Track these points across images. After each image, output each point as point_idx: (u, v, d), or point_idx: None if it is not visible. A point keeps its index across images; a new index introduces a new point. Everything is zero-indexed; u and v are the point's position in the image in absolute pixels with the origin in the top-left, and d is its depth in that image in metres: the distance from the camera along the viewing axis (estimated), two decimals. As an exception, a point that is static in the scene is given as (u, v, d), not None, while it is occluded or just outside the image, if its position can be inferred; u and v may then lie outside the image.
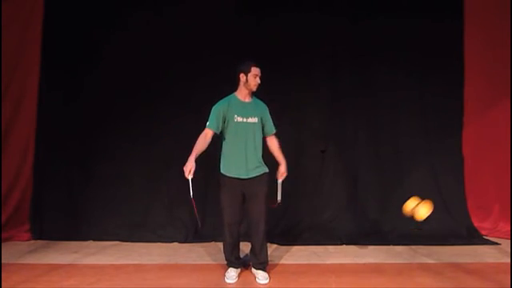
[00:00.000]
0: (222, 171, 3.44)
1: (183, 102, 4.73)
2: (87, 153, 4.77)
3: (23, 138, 4.65)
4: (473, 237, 4.59)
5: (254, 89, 3.41)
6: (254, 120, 3.39)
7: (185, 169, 3.14)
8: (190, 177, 3.16)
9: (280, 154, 3.52)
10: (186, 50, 4.74)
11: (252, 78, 3.36)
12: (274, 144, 3.54)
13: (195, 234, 4.57)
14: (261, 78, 3.41)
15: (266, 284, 3.34)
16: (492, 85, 4.86)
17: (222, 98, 3.45)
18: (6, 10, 4.42)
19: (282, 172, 3.48)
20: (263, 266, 3.46)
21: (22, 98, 4.65)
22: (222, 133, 3.42)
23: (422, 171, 4.89)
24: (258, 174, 3.39)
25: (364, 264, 3.80)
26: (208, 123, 3.35)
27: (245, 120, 3.36)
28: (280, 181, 3.52)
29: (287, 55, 4.82)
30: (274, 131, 3.56)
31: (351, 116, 4.92)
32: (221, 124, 3.35)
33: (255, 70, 3.36)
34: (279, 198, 3.52)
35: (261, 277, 3.39)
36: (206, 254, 4.08)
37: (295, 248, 4.27)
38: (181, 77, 4.74)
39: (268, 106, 3.58)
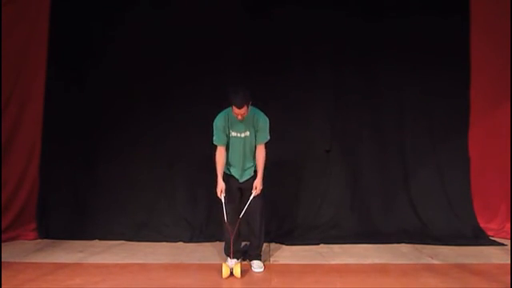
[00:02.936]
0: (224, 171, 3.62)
1: (188, 101, 4.74)
2: (93, 153, 4.79)
3: (30, 138, 4.67)
4: (479, 237, 4.55)
5: (239, 118, 3.41)
6: (247, 134, 3.54)
7: (217, 191, 3.45)
8: (222, 196, 3.42)
9: (261, 167, 3.53)
10: (191, 49, 4.75)
11: (234, 113, 3.39)
12: (259, 154, 3.57)
13: (200, 234, 4.57)
14: (242, 115, 3.38)
15: (260, 272, 3.55)
16: (499, 84, 4.81)
17: (224, 103, 3.53)
18: (12, 9, 4.43)
19: (255, 185, 3.48)
20: (258, 256, 3.68)
21: (29, 99, 4.66)
22: None
23: (428, 171, 4.86)
24: (250, 176, 3.59)
25: (369, 264, 3.78)
26: (215, 139, 3.55)
27: (239, 135, 3.54)
28: (252, 196, 3.47)
29: (291, 54, 4.81)
30: (264, 141, 3.58)
31: (356, 115, 4.90)
32: (225, 137, 3.55)
33: (235, 110, 3.35)
34: (242, 212, 3.47)
35: (256, 266, 3.60)
36: (211, 253, 4.08)
37: (300, 248, 4.25)
38: (185, 76, 4.75)
39: (269, 111, 3.64)
